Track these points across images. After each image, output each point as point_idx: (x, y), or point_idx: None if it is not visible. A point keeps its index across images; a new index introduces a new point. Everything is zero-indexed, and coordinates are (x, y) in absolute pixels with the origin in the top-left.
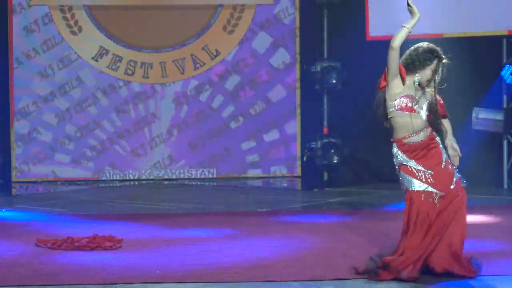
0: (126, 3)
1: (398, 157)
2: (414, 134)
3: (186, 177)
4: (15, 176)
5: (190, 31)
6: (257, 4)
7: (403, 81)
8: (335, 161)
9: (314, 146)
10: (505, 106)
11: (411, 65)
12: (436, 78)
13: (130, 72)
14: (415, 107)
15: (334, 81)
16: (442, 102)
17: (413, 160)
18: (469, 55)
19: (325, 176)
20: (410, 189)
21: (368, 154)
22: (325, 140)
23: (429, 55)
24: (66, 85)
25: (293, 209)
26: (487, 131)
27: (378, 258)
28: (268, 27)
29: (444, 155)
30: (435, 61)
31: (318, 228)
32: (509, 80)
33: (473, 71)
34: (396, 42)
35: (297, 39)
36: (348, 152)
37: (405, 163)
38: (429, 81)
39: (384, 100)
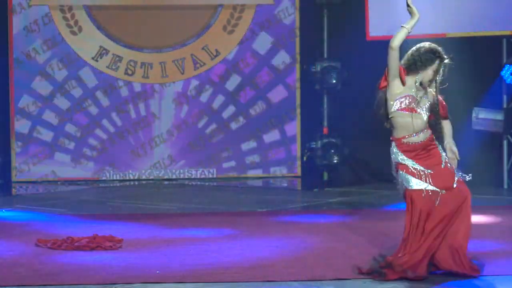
0: (126, 3)
1: (396, 156)
2: (414, 135)
3: (186, 177)
4: (15, 176)
5: (190, 31)
6: (257, 4)
7: (402, 82)
8: (335, 161)
9: (314, 146)
10: (505, 106)
11: (413, 66)
12: (438, 78)
13: (130, 72)
14: (416, 108)
15: (334, 81)
16: (444, 103)
17: (412, 160)
18: (469, 55)
19: (325, 176)
20: (409, 187)
21: (368, 154)
22: (325, 140)
23: (431, 55)
24: (66, 85)
25: (293, 209)
26: (487, 131)
27: (381, 258)
28: (268, 27)
29: (444, 157)
30: (436, 61)
31: (318, 228)
32: (509, 80)
33: (473, 71)
34: (396, 43)
35: (297, 39)
36: (348, 152)
37: (403, 162)
38: (430, 81)
39: (385, 100)
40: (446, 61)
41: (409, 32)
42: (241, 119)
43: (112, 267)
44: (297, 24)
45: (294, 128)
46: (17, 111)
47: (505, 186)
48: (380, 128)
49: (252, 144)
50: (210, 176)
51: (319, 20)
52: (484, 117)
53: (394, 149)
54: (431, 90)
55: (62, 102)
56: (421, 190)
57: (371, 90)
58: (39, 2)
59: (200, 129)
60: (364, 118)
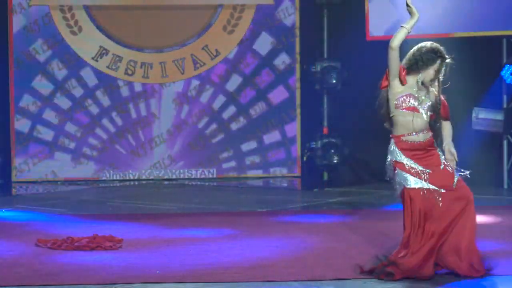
0: (126, 3)
1: (394, 154)
2: (414, 133)
3: (186, 177)
4: (15, 176)
5: (190, 31)
6: (257, 4)
7: (402, 82)
8: (335, 161)
9: (314, 146)
10: (505, 106)
11: (414, 65)
12: (440, 77)
13: (130, 72)
14: (418, 107)
15: (334, 81)
16: (446, 103)
17: (411, 159)
18: (469, 55)
19: (325, 176)
20: (407, 186)
21: (368, 154)
22: (325, 140)
23: (432, 55)
24: (66, 85)
25: (293, 209)
26: (487, 131)
27: (384, 257)
28: (268, 27)
29: (443, 159)
30: (438, 61)
31: (318, 228)
32: (509, 80)
33: (473, 71)
34: (395, 43)
35: (297, 39)
36: (348, 152)
37: (400, 161)
38: (432, 80)
39: (387, 100)
40: (447, 60)
41: (408, 32)
42: (241, 119)
43: (112, 267)
44: (297, 24)
45: (294, 128)
46: (17, 111)
47: (505, 186)
48: (380, 128)
49: (252, 144)
50: (210, 176)
51: (319, 20)
52: (484, 117)
53: (392, 146)
54: (433, 90)
55: (62, 102)
56: (419, 189)
57: (371, 90)
58: (39, 2)
59: (200, 129)
60: (364, 118)
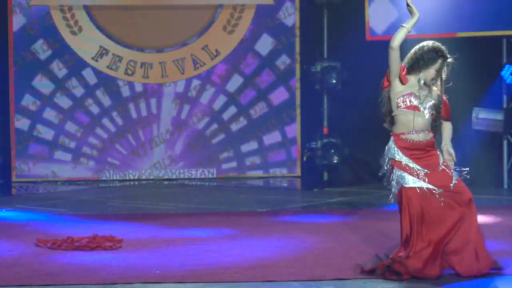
0: (126, 3)
1: (392, 152)
2: (414, 132)
3: (186, 177)
4: (15, 176)
5: (190, 31)
6: (257, 4)
7: (402, 81)
8: (335, 161)
9: (314, 146)
10: (505, 106)
11: (416, 64)
12: (443, 77)
13: (130, 72)
14: (419, 106)
15: (334, 81)
16: (447, 103)
17: (409, 158)
18: (469, 55)
19: (325, 176)
20: (405, 185)
21: (368, 154)
22: (325, 140)
23: (434, 54)
24: (66, 85)
25: (293, 209)
26: (487, 131)
27: (385, 257)
28: (268, 27)
29: (442, 160)
30: (439, 61)
31: (318, 228)
32: (509, 80)
33: (473, 71)
34: (396, 42)
35: (297, 39)
36: (348, 152)
37: (398, 160)
38: (433, 80)
39: (389, 99)
40: (449, 60)
41: (409, 32)
42: (241, 119)
43: (112, 267)
44: (297, 24)
45: (294, 128)
46: (17, 111)
47: (505, 186)
48: (380, 128)
49: (252, 145)
50: (210, 176)
51: (319, 20)
52: (484, 117)
53: (391, 144)
54: (436, 89)
55: (62, 102)
56: (417, 188)
57: (371, 90)
58: (39, 2)
59: (200, 130)
60: (364, 118)
